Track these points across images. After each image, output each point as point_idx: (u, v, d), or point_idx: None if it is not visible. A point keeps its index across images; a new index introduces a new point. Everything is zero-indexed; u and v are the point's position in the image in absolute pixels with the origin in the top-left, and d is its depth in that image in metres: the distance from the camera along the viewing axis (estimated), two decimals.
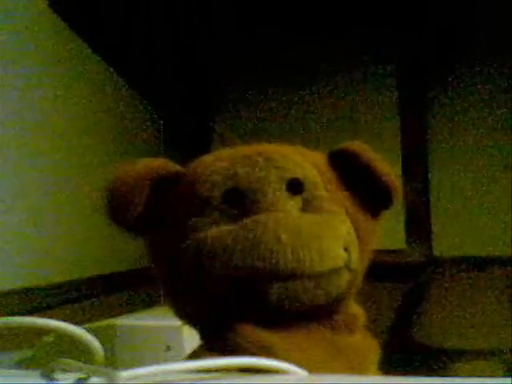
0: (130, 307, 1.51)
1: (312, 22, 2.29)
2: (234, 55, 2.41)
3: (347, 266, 0.50)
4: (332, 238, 0.49)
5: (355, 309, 0.56)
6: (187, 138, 2.39)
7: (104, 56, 1.64)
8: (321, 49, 2.33)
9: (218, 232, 0.48)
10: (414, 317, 1.99)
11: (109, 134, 1.71)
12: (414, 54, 2.27)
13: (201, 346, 0.52)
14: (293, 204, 0.50)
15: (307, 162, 0.54)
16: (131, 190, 0.53)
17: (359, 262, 0.52)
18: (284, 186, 0.51)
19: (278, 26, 2.31)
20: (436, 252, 2.19)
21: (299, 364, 0.44)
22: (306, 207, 0.51)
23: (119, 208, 0.54)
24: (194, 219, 0.50)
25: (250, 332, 0.46)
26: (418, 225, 2.22)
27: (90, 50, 1.57)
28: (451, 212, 2.19)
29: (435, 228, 2.20)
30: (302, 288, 0.47)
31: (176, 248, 0.50)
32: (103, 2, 1.67)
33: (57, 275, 1.33)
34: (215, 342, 0.48)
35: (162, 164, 0.57)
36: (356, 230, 0.53)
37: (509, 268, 2.00)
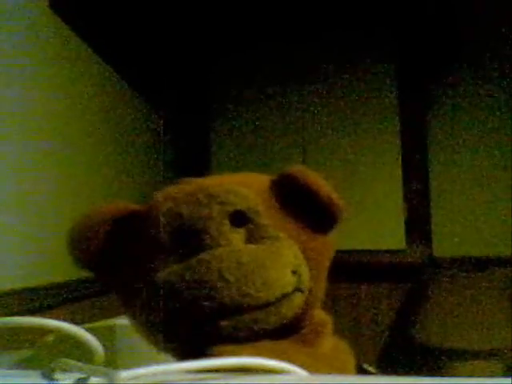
0: None
1: (312, 23, 2.29)
2: (234, 55, 2.41)
3: (298, 289, 0.51)
4: (277, 266, 0.50)
5: (321, 318, 0.57)
6: (187, 138, 2.39)
7: (104, 56, 1.64)
8: (321, 49, 2.33)
9: (166, 274, 0.50)
10: (414, 317, 1.99)
11: (109, 133, 1.71)
12: (414, 54, 2.27)
13: None
14: (237, 236, 0.52)
15: (250, 192, 0.55)
16: (90, 233, 0.56)
17: (313, 280, 0.53)
18: (227, 220, 0.52)
19: (278, 26, 2.31)
20: (436, 252, 2.19)
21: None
22: (251, 237, 0.52)
23: (79, 250, 0.56)
24: (146, 261, 0.52)
25: (229, 351, 0.47)
26: (418, 225, 2.22)
27: (90, 50, 1.57)
28: (451, 212, 2.19)
29: (435, 228, 2.21)
30: (251, 320, 0.49)
31: (132, 288, 0.52)
32: (103, 2, 1.67)
33: (57, 275, 1.33)
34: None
35: (119, 207, 0.58)
36: (305, 251, 0.54)
37: (509, 268, 2.00)
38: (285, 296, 0.50)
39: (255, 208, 0.53)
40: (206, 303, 0.47)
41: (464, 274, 2.05)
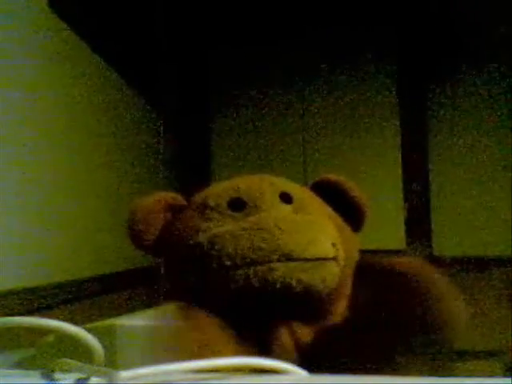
0: (130, 307, 1.51)
1: (312, 23, 2.29)
2: (234, 55, 2.41)
3: (336, 260, 0.56)
4: (322, 232, 0.56)
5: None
6: (187, 138, 2.39)
7: (104, 56, 1.64)
8: (321, 49, 2.33)
9: (226, 228, 0.56)
10: None
11: (109, 133, 1.71)
12: (414, 54, 2.27)
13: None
14: (287, 209, 0.60)
15: (293, 184, 0.64)
16: (148, 220, 0.63)
17: (345, 263, 0.58)
18: (277, 196, 0.60)
19: (278, 26, 2.31)
20: (436, 252, 2.19)
21: None
22: (298, 212, 0.59)
23: (139, 235, 0.63)
24: (203, 223, 0.59)
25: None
26: (418, 225, 2.22)
27: (89, 50, 1.56)
28: (451, 212, 2.19)
29: (435, 228, 2.21)
30: (301, 268, 0.53)
31: (190, 246, 0.58)
32: (103, 2, 1.67)
33: (57, 275, 1.33)
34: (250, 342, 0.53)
35: (173, 195, 0.66)
36: (341, 234, 0.59)
37: (509, 268, 2.00)
38: (326, 259, 0.55)
39: (300, 193, 0.62)
40: (262, 244, 0.53)
41: (464, 274, 2.05)
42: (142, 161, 1.99)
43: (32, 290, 1.22)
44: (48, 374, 0.41)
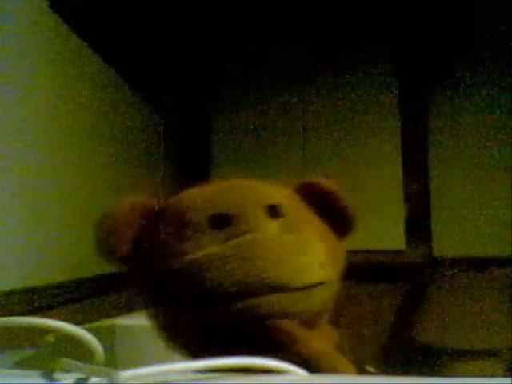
0: (130, 307, 1.51)
1: (312, 23, 2.29)
2: (234, 56, 2.41)
3: (325, 283, 0.54)
4: (310, 255, 0.53)
5: (327, 329, 0.59)
6: (187, 138, 2.39)
7: (104, 56, 1.64)
8: (321, 49, 2.33)
9: (206, 253, 0.51)
10: (414, 317, 1.99)
11: (109, 133, 1.70)
12: (414, 54, 2.27)
13: None
14: (273, 226, 0.55)
15: (280, 193, 0.59)
16: (119, 226, 0.56)
17: (333, 278, 0.56)
18: (263, 211, 0.55)
19: (277, 26, 2.31)
20: (436, 252, 2.19)
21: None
22: (285, 229, 0.55)
23: (108, 243, 0.56)
24: (180, 244, 0.53)
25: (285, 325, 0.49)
26: (418, 225, 2.22)
27: (90, 50, 1.56)
28: (451, 212, 2.19)
29: (435, 228, 2.20)
30: (288, 299, 0.51)
31: (165, 272, 0.53)
32: (103, 2, 1.67)
33: (57, 275, 1.33)
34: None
35: (145, 200, 0.60)
36: (327, 249, 0.56)
37: (509, 268, 2.00)
38: (315, 285, 0.53)
39: (287, 204, 0.57)
40: (247, 279, 0.49)
41: (464, 274, 2.05)
42: (141, 161, 1.99)
43: (32, 290, 1.22)
44: (48, 374, 0.41)
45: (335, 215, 0.60)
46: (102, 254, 0.57)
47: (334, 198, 0.61)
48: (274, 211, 0.56)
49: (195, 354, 0.53)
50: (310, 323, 0.54)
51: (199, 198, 0.57)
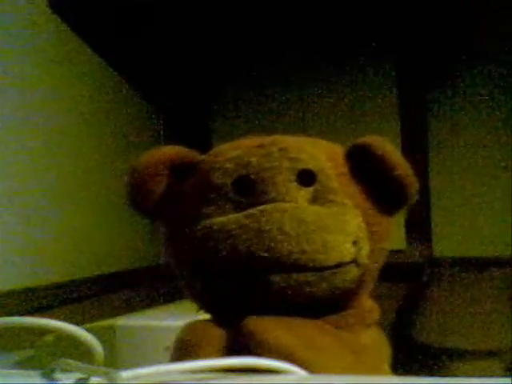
0: (130, 307, 1.51)
1: (312, 22, 2.29)
2: (234, 55, 2.41)
3: (356, 261, 0.49)
4: (339, 232, 0.48)
5: (368, 304, 0.56)
6: (187, 138, 2.39)
7: (104, 56, 1.64)
8: (321, 49, 2.33)
9: (224, 220, 0.48)
10: (414, 317, 1.99)
11: (109, 133, 1.70)
12: (414, 54, 2.26)
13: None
14: (302, 195, 0.50)
15: (322, 154, 0.53)
16: (150, 177, 0.54)
17: (371, 257, 0.51)
18: (295, 177, 0.50)
19: (277, 25, 2.31)
20: (436, 252, 2.19)
21: (313, 363, 0.44)
22: (317, 199, 0.50)
23: (139, 195, 0.54)
24: (205, 206, 0.50)
25: (263, 330, 0.46)
26: (418, 225, 2.22)
27: (90, 50, 1.56)
28: (451, 212, 2.19)
29: (435, 228, 2.20)
30: (304, 280, 0.47)
31: (186, 233, 0.51)
32: (103, 2, 1.67)
33: (57, 275, 1.33)
34: (230, 337, 0.48)
35: (180, 151, 0.56)
36: (368, 225, 0.51)
37: (509, 268, 2.00)
38: (341, 264, 0.48)
39: (325, 170, 0.51)
40: (261, 253, 0.46)
41: (464, 274, 2.05)
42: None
43: (32, 290, 1.22)
44: (48, 374, 0.41)
45: (388, 184, 0.53)
46: (131, 206, 0.55)
47: (386, 164, 0.52)
48: (307, 177, 0.50)
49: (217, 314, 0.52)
50: (340, 303, 0.51)
51: (227, 155, 0.52)
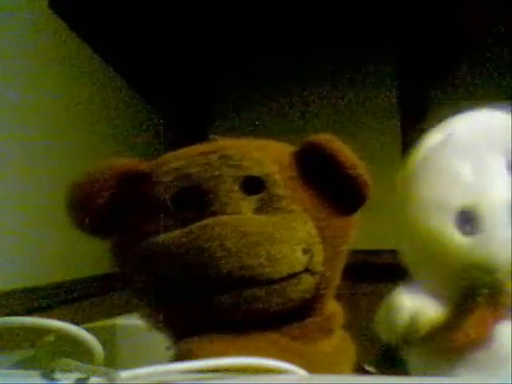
0: (130, 307, 1.51)
1: (312, 23, 2.29)
2: (234, 55, 2.41)
3: (309, 270, 0.46)
4: (286, 241, 0.45)
5: (332, 309, 0.53)
6: (187, 138, 2.39)
7: (104, 56, 1.64)
8: (321, 49, 2.33)
9: (165, 238, 0.45)
10: None
11: (109, 133, 1.71)
12: (414, 54, 2.27)
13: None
14: (247, 205, 0.47)
15: (268, 158, 0.49)
16: (93, 194, 0.50)
17: (327, 263, 0.48)
18: (238, 186, 0.47)
19: (277, 26, 2.31)
20: None
21: None
22: (263, 207, 0.47)
23: (81, 212, 0.50)
24: (148, 223, 0.47)
25: (206, 345, 0.44)
26: None
27: (90, 50, 1.57)
28: None
29: None
30: (253, 296, 0.44)
31: (131, 253, 0.48)
32: (103, 2, 1.67)
33: (57, 275, 1.33)
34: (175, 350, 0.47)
35: (127, 164, 0.52)
36: (321, 229, 0.48)
37: None
38: (292, 276, 0.45)
39: (272, 176, 0.48)
40: (203, 274, 0.43)
41: None
42: (142, 161, 1.99)
43: (32, 290, 1.22)
44: (48, 374, 0.41)
45: (342, 183, 0.49)
46: (72, 221, 0.51)
47: (338, 163, 0.49)
48: (252, 185, 0.47)
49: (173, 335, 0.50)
50: (297, 313, 0.48)
51: (168, 167, 0.48)
